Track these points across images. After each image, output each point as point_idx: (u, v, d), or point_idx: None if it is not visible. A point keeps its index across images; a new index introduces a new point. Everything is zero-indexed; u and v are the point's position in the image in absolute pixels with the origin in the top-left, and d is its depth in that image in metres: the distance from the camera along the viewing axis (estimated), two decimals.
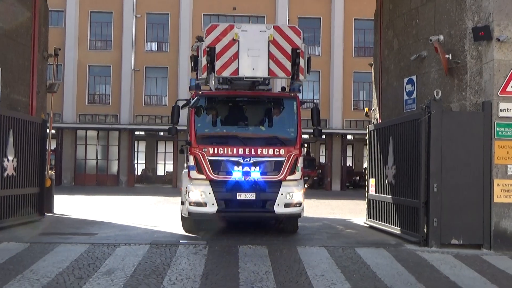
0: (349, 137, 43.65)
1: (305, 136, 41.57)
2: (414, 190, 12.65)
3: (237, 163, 12.33)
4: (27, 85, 16.43)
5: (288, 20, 39.89)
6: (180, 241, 12.15)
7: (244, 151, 12.44)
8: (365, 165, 21.91)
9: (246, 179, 12.34)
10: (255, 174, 12.33)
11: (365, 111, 26.66)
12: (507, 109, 11.77)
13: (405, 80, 14.83)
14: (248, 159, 12.31)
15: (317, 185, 41.27)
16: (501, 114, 11.76)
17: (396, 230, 13.71)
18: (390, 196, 14.33)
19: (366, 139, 17.33)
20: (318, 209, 22.01)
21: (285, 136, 13.08)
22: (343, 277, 9.32)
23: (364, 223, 16.36)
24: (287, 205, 12.39)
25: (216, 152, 12.50)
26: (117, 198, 26.23)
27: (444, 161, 11.91)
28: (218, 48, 12.66)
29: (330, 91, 41.56)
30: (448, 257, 11.07)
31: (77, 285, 8.45)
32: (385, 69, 16.79)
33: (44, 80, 18.61)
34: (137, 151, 44.03)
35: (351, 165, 45.62)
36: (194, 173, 12.58)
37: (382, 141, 15.17)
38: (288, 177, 12.57)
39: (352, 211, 20.22)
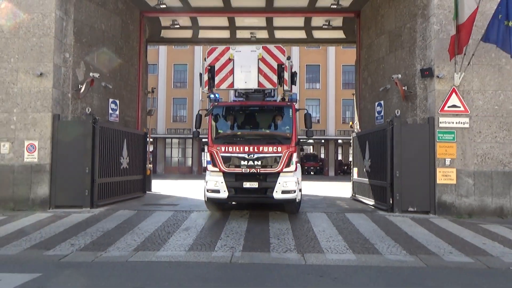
0: (339, 141, 43.20)
1: (310, 140, 42.73)
2: (383, 175, 12.38)
3: (243, 159, 10.66)
4: (135, 111, 16.70)
5: (299, 67, 39.79)
6: (231, 210, 12.10)
7: (249, 148, 10.71)
8: (350, 159, 21.62)
9: (250, 171, 10.68)
10: (258, 167, 10.68)
11: (350, 124, 26.35)
12: (444, 121, 11.54)
13: (376, 103, 14.62)
14: (252, 155, 10.63)
15: (319, 172, 41.01)
16: (441, 125, 11.52)
17: (371, 201, 13.46)
18: (367, 179, 14.05)
19: (351, 142, 17.07)
20: (320, 188, 21.80)
21: (282, 136, 11.03)
22: (337, 231, 9.24)
23: (351, 197, 16.09)
24: (284, 192, 10.59)
25: (227, 150, 10.84)
26: (190, 182, 26.41)
27: (402, 156, 11.67)
28: (217, 66, 11.44)
29: (327, 111, 41.21)
30: (407, 219, 10.84)
31: (166, 237, 8.54)
32: (362, 97, 16.51)
33: (145, 107, 18.94)
34: (204, 152, 44.34)
35: (341, 159, 45.05)
36: (210, 167, 11.06)
37: (361, 143, 14.91)
38: (285, 169, 10.67)
39: (342, 190, 19.99)
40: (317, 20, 18.90)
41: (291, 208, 11.40)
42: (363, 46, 16.35)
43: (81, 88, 12.68)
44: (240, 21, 19.42)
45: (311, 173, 40.30)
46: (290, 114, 11.14)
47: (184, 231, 9.09)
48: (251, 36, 21.39)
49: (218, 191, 10.75)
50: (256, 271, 6.49)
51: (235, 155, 10.76)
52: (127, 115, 15.91)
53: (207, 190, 10.96)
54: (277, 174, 10.67)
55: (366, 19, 16.00)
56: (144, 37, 18.06)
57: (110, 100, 14.45)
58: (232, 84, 11.46)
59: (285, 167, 10.67)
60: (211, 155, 10.98)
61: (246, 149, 10.71)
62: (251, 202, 12.00)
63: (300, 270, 6.55)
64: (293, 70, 12.31)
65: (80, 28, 13.16)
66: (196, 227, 9.62)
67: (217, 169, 10.87)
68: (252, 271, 6.48)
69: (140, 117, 17.15)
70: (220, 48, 11.57)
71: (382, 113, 14.09)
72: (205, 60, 11.71)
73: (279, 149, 10.70)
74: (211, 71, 11.48)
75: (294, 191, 10.64)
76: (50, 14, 12.17)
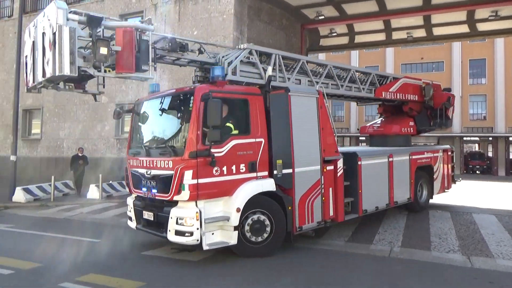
0: (511, 138, 36.52)
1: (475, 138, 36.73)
2: None
3: (143, 177, 6.55)
4: None
5: (461, 62, 35.20)
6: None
7: (147, 163, 6.51)
8: None
9: (148, 196, 6.50)
10: (154, 191, 6.34)
11: None
12: None
13: None
14: (149, 172, 6.42)
15: (486, 172, 35.37)
16: None
17: None
18: None
19: None
20: (486, 190, 18.79)
21: (175, 144, 6.27)
22: (510, 236, 7.77)
23: None
24: (178, 233, 5.86)
25: (132, 164, 6.96)
26: None
27: None
28: None
29: (495, 107, 35.20)
30: None
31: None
32: None
33: None
34: None
35: None
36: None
37: None
38: (175, 197, 5.94)
39: None
40: (482, 12, 16.43)
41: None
42: None
43: None
44: (396, 22, 18.25)
45: (477, 172, 35.26)
46: (190, 105, 6.04)
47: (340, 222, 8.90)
48: (407, 36, 19.92)
49: (130, 219, 7.15)
50: (415, 268, 5.95)
51: (137, 171, 6.81)
52: None
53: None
54: (171, 204, 6.10)
55: None
56: (305, 47, 18.49)
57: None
58: None
59: (176, 194, 5.93)
60: (125, 170, 7.46)
61: (145, 163, 6.61)
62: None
63: (465, 273, 5.75)
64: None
65: None
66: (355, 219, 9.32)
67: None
68: (411, 268, 5.97)
69: None
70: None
71: None
72: None
73: (170, 164, 6.04)
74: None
75: (191, 233, 5.77)
76: (229, 35, 13.44)
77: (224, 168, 6.04)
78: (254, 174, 6.33)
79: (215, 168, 5.93)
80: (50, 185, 12.65)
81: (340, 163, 7.45)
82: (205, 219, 5.82)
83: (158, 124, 6.93)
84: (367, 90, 9.67)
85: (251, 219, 6.22)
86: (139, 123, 7.25)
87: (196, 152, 5.79)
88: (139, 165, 6.74)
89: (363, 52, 38.22)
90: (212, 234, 5.95)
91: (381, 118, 11.79)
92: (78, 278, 5.24)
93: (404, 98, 10.49)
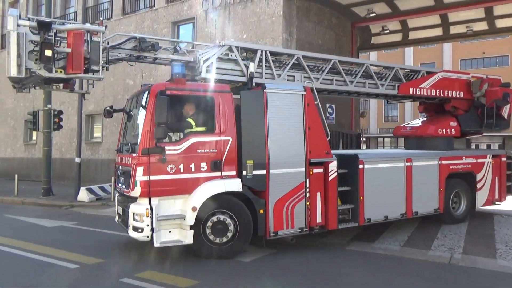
0: None
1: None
2: None
3: (118, 172, 6.91)
4: (349, 113, 16.84)
5: None
6: None
7: (119, 159, 6.84)
8: None
9: (121, 191, 6.77)
10: (123, 186, 6.55)
11: None
12: None
13: None
14: (119, 168, 6.76)
15: None
16: None
17: None
18: None
19: None
20: None
21: (134, 141, 6.17)
22: None
23: None
24: (134, 229, 5.97)
25: (115, 160, 7.23)
26: None
27: None
28: None
29: None
30: None
31: (380, 230, 8.18)
32: None
33: (358, 109, 18.91)
34: None
35: None
36: None
37: None
38: (131, 193, 6.03)
39: None
40: None
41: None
42: None
43: None
44: (454, 16, 17.30)
45: None
46: (145, 102, 6.11)
47: (394, 227, 8.58)
48: (467, 30, 18.80)
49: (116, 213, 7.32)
50: (479, 277, 5.58)
51: (116, 167, 7.11)
52: (342, 118, 16.19)
53: None
54: (133, 200, 6.12)
55: None
56: (355, 46, 18.08)
57: (327, 105, 14.97)
58: None
59: (132, 190, 5.99)
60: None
61: (119, 159, 6.91)
62: None
63: None
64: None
65: (301, 45, 14.10)
66: (408, 223, 8.94)
67: None
68: (474, 277, 5.61)
69: (354, 118, 17.23)
70: None
71: None
72: None
73: (130, 160, 6.15)
74: None
75: (142, 230, 5.83)
76: (278, 37, 13.47)
77: (181, 166, 5.93)
78: (218, 174, 6.12)
79: (170, 166, 5.87)
80: (111, 185, 13.38)
81: (332, 166, 6.88)
82: (158, 217, 5.80)
83: (129, 122, 6.98)
84: (389, 86, 8.62)
85: (212, 219, 6.06)
86: (123, 121, 7.25)
87: (148, 149, 5.80)
88: (117, 161, 6.98)
89: (418, 49, 36.70)
90: (169, 232, 5.92)
91: (422, 118, 10.72)
92: (137, 274, 5.49)
93: (443, 94, 9.22)
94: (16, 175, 14.87)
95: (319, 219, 6.74)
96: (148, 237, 5.81)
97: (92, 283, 5.36)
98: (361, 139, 18.28)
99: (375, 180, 7.37)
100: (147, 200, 5.85)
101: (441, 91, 9.16)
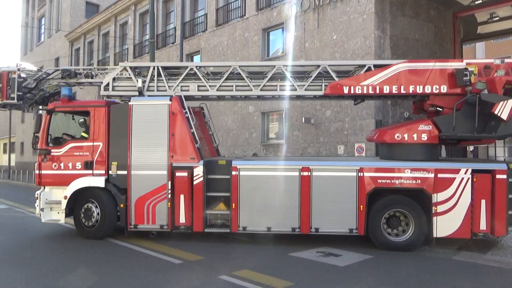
0: None
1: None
2: None
3: None
4: None
5: None
6: None
7: None
8: None
9: None
10: None
11: None
12: None
13: None
14: None
15: None
16: None
17: None
18: None
19: None
20: None
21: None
22: None
23: None
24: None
25: None
26: None
27: None
28: None
29: None
30: None
31: (494, 240, 7.35)
32: None
33: None
34: None
35: None
36: None
37: None
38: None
39: None
40: None
41: None
42: None
43: None
44: None
45: None
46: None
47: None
48: None
49: None
50: None
51: None
52: None
53: None
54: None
55: None
56: (458, 38, 16.56)
57: (406, 113, 13.97)
58: None
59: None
60: None
61: None
62: None
63: None
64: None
65: (395, 42, 13.40)
66: None
67: None
68: None
69: None
70: None
71: None
72: None
73: None
74: None
75: (36, 209, 8.22)
76: (370, 35, 12.97)
77: (62, 164, 7.85)
78: (90, 172, 7.76)
79: (54, 164, 7.87)
80: None
81: (198, 171, 7.32)
82: (46, 201, 7.88)
83: None
84: (316, 86, 7.70)
85: (84, 206, 7.78)
86: None
87: (39, 150, 7.97)
88: None
89: None
90: (52, 212, 7.96)
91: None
92: (234, 272, 5.72)
93: (405, 91, 7.32)
94: None
95: (182, 220, 7.38)
96: (38, 214, 7.97)
97: (196, 278, 5.71)
98: (468, 147, 16.40)
99: (256, 188, 7.22)
100: (42, 187, 8.00)
101: (402, 86, 7.32)
